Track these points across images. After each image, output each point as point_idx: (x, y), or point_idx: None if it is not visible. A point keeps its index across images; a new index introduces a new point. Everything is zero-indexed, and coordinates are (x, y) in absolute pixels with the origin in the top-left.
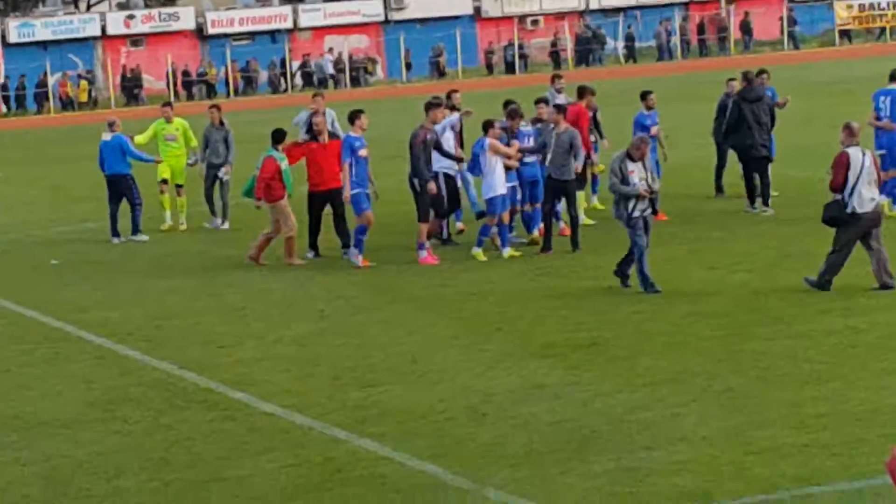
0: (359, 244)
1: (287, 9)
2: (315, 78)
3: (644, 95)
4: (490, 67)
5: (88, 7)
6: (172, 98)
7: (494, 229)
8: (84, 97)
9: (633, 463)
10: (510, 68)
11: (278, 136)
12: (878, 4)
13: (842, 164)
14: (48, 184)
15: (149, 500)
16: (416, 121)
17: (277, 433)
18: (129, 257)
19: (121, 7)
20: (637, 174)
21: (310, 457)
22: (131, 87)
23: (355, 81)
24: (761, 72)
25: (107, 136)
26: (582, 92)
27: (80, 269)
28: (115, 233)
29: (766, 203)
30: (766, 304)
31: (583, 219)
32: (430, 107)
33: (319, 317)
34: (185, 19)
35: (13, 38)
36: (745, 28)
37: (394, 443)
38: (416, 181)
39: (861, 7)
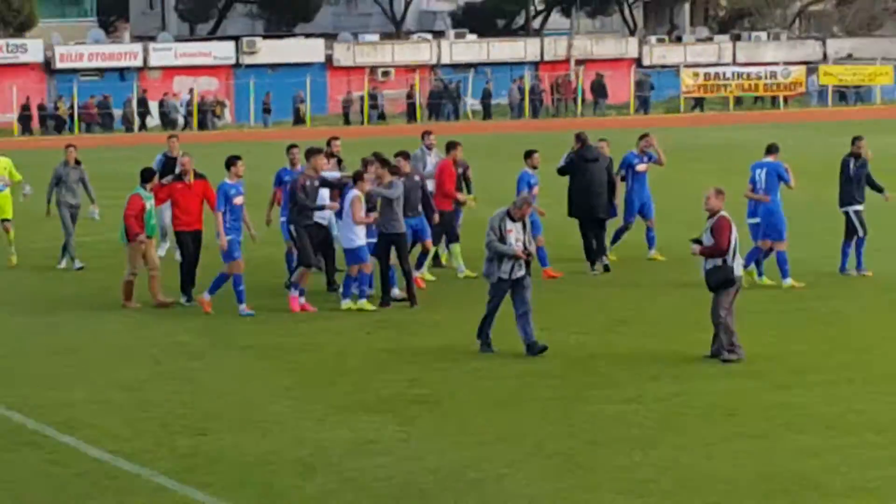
0: (240, 294)
1: (138, 47)
2: (170, 118)
3: (529, 154)
4: (347, 116)
5: None
6: (19, 131)
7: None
8: None
9: None
10: (348, 119)
11: (147, 175)
12: (724, 74)
13: (727, 228)
14: None
15: None
16: (267, 166)
17: (103, 479)
18: None
19: None
20: (515, 234)
21: None
22: None
23: (202, 125)
24: (644, 135)
25: None
26: (449, 146)
27: None
28: None
29: (600, 260)
30: (599, 367)
31: (421, 272)
32: (311, 153)
33: (154, 362)
34: (34, 52)
35: None
36: (600, 90)
37: (221, 492)
38: (291, 227)
39: (706, 76)
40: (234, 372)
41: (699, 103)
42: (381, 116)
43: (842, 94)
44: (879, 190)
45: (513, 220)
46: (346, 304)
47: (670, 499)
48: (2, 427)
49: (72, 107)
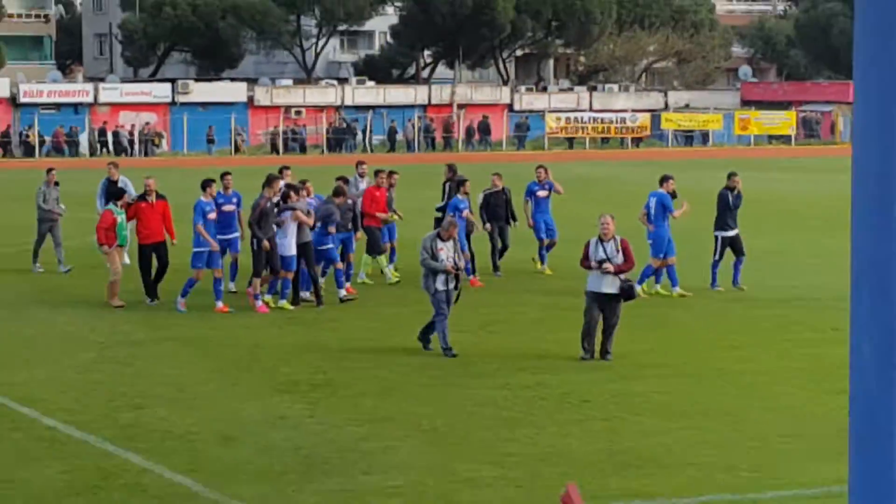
0: (185, 292)
1: (89, 86)
2: (122, 146)
3: (462, 183)
4: (275, 147)
5: None
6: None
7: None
8: None
9: (353, 486)
10: (275, 149)
11: (118, 194)
12: (581, 118)
13: (630, 248)
14: None
15: None
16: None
17: (57, 444)
18: None
19: None
20: (445, 252)
21: (83, 465)
22: None
23: (144, 152)
24: (540, 167)
25: None
26: (376, 173)
27: None
28: None
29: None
30: (473, 360)
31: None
32: (271, 179)
33: (100, 348)
34: (1, 88)
35: None
36: (486, 130)
37: (156, 457)
38: (253, 241)
39: (567, 120)
40: (167, 358)
41: (570, 142)
42: (303, 148)
43: (689, 137)
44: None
45: (442, 239)
46: (268, 298)
47: (529, 469)
48: None
49: (28, 135)
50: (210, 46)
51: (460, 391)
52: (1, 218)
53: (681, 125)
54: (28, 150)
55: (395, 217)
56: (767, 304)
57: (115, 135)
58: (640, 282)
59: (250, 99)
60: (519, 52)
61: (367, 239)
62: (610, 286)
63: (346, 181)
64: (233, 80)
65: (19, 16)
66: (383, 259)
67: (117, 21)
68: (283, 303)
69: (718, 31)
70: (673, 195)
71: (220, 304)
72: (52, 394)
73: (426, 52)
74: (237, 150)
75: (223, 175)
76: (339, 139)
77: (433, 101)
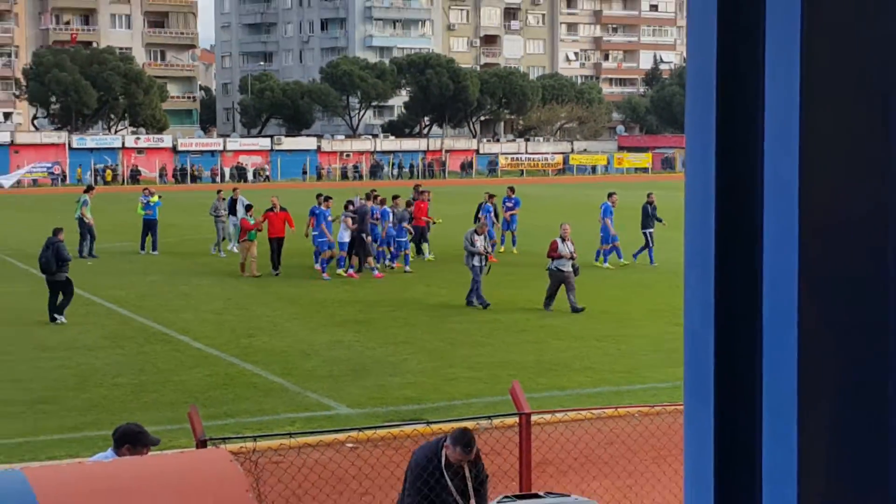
0: (325, 268)
1: (220, 140)
2: (244, 176)
3: (491, 196)
4: (346, 175)
5: (116, 131)
6: (158, 181)
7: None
8: (109, 177)
9: (383, 382)
10: (344, 177)
11: (249, 208)
12: (520, 158)
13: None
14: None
15: (132, 389)
16: (293, 204)
17: (201, 358)
18: (133, 263)
19: (132, 133)
20: (479, 242)
21: (218, 371)
22: (134, 175)
23: (255, 180)
24: (509, 188)
25: (153, 199)
26: (420, 193)
27: (107, 269)
28: (143, 247)
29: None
30: (455, 306)
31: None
32: (369, 197)
33: (227, 299)
34: (167, 141)
35: (74, 145)
36: (468, 166)
37: (262, 366)
38: (359, 235)
39: (512, 159)
40: (270, 306)
41: (522, 172)
42: (360, 176)
43: (593, 168)
44: (660, 220)
45: (478, 234)
46: (339, 271)
47: (490, 373)
48: (149, 331)
49: (188, 170)
50: (294, 115)
51: (448, 324)
52: (174, 220)
53: (581, 162)
54: (184, 179)
55: (438, 220)
56: (637, 271)
57: (241, 169)
58: (596, 259)
59: (318, 147)
60: (482, 118)
61: (418, 233)
62: (569, 266)
63: (396, 196)
64: (307, 135)
65: (178, 97)
66: (418, 247)
67: (237, 100)
68: (340, 271)
69: (604, 105)
70: (613, 204)
71: (318, 266)
72: (197, 327)
73: (425, 118)
74: (320, 177)
75: (321, 196)
76: (374, 171)
77: (430, 148)
